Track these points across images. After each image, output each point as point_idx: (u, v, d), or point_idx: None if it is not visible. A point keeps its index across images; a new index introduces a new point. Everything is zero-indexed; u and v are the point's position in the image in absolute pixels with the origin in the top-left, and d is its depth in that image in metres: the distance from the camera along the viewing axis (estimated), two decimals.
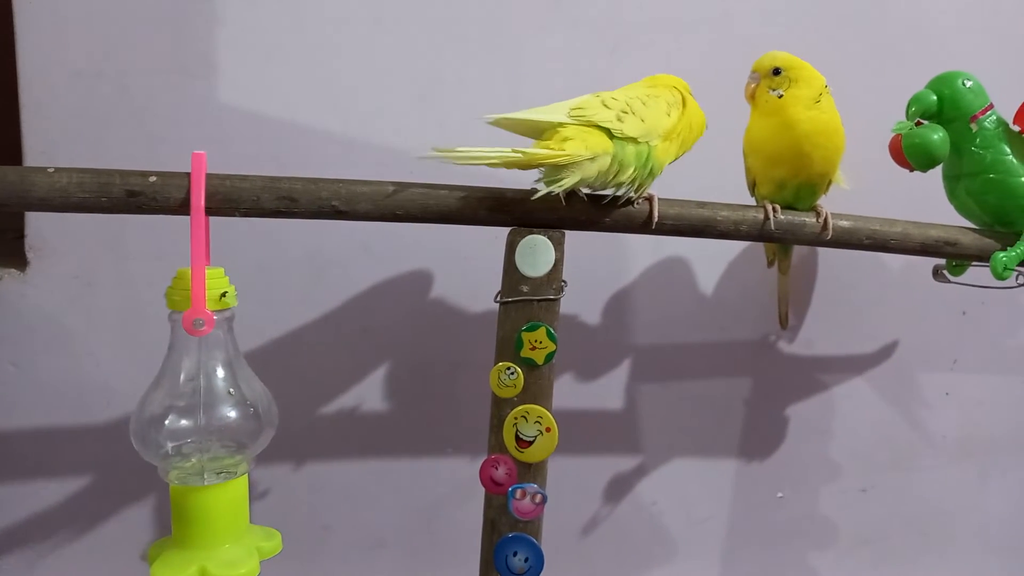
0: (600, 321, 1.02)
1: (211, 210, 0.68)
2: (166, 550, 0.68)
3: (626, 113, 0.72)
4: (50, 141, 0.90)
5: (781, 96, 0.81)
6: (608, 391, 1.03)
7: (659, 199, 0.77)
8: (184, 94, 0.92)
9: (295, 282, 0.96)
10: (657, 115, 0.74)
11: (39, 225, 0.91)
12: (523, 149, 0.68)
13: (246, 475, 0.71)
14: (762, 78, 0.83)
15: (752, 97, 0.85)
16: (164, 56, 0.91)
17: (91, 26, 0.90)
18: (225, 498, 0.69)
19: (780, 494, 1.08)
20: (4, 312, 0.92)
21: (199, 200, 0.67)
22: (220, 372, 0.70)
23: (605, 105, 0.72)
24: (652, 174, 0.74)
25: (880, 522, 1.11)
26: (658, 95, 0.76)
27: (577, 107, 0.71)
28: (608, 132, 0.71)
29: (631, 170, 0.72)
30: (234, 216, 0.69)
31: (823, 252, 1.04)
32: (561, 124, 0.70)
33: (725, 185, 0.87)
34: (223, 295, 0.68)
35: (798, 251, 1.01)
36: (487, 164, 0.68)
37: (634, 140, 0.72)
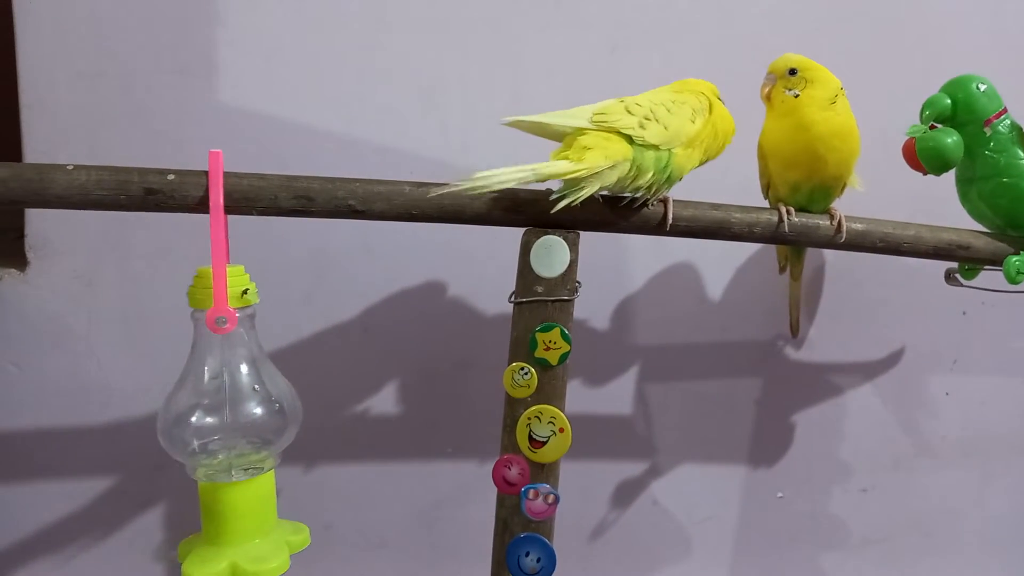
0: (609, 324, 1.02)
1: (228, 208, 0.68)
2: (196, 546, 0.69)
3: (649, 120, 0.71)
4: (51, 141, 0.89)
5: (797, 96, 0.81)
6: (616, 394, 1.03)
7: (673, 200, 0.76)
8: (185, 94, 0.92)
9: (299, 281, 0.96)
10: (681, 122, 0.73)
11: (39, 225, 0.91)
12: (541, 168, 0.67)
13: (273, 470, 0.72)
14: (778, 79, 0.83)
15: (768, 98, 0.84)
16: (165, 56, 0.91)
17: (92, 26, 0.89)
18: (253, 494, 0.69)
19: (780, 494, 1.09)
20: (5, 312, 0.91)
21: (218, 198, 0.67)
22: (244, 369, 0.70)
23: (628, 111, 0.71)
24: (671, 180, 0.74)
25: (883, 522, 1.11)
26: (684, 101, 0.76)
27: (600, 112, 0.71)
28: (629, 138, 0.70)
29: (649, 175, 0.72)
30: (251, 215, 0.69)
31: (826, 253, 1.04)
32: (581, 131, 0.70)
33: (736, 187, 0.87)
34: (244, 292, 0.68)
35: (810, 257, 1.01)
36: (509, 185, 0.67)
37: (654, 147, 0.71)
